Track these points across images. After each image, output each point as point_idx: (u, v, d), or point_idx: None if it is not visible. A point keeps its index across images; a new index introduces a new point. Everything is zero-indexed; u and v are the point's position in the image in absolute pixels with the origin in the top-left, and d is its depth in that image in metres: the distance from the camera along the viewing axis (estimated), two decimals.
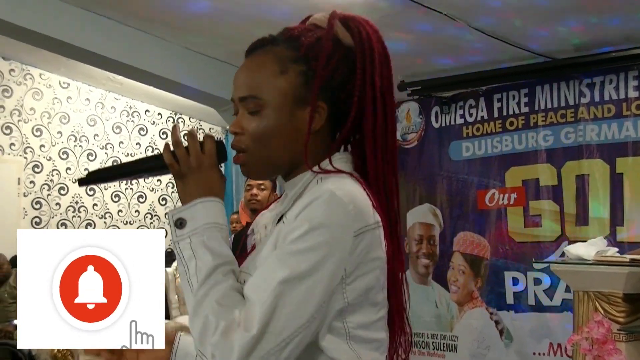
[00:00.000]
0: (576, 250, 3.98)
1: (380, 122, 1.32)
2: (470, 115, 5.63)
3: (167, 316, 6.23)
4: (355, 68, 1.30)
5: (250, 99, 1.30)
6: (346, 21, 1.33)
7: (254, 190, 4.04)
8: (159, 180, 8.48)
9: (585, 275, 3.84)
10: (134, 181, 8.31)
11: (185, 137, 1.31)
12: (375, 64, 1.32)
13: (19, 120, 7.55)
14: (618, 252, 3.97)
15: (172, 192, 8.60)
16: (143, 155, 1.35)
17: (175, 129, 1.32)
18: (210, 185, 1.30)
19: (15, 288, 6.33)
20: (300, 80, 1.29)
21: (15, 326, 5.83)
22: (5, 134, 7.48)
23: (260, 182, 4.05)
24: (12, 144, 7.52)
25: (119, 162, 1.25)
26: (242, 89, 1.32)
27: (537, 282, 5.19)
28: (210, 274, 1.21)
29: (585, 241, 4.49)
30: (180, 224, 1.26)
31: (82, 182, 1.30)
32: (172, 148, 1.30)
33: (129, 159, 8.20)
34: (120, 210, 8.20)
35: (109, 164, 8.09)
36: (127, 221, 8.23)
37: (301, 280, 1.14)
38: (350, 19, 1.34)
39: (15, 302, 6.23)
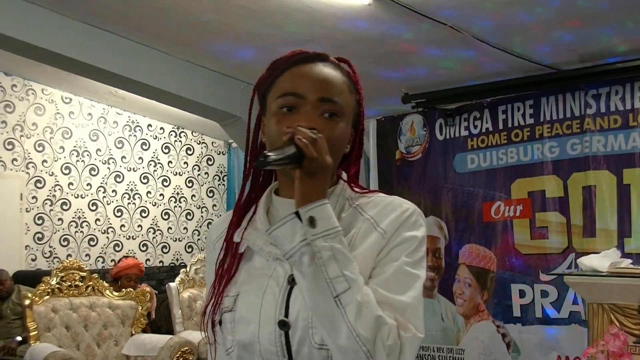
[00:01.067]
0: (590, 262, 3.95)
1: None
2: (475, 127, 5.60)
3: (171, 331, 6.18)
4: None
5: (333, 103, 1.37)
6: (349, 64, 1.49)
7: None
8: (161, 194, 8.46)
9: (599, 288, 3.81)
10: (136, 196, 8.28)
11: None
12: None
13: (21, 136, 7.54)
14: (632, 263, 3.94)
15: (175, 206, 8.57)
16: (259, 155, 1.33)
17: (301, 128, 1.29)
18: (327, 186, 1.32)
19: (18, 304, 6.30)
20: (354, 104, 1.44)
21: (19, 342, 5.80)
22: (8, 149, 7.46)
23: None
24: (15, 159, 7.50)
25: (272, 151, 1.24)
26: (326, 91, 1.37)
27: (544, 294, 5.15)
28: (360, 276, 1.25)
29: (592, 253, 4.47)
30: (311, 222, 1.25)
31: (260, 164, 1.26)
32: (306, 143, 1.27)
33: (132, 174, 8.20)
34: (122, 225, 8.17)
35: (112, 179, 8.08)
36: (129, 236, 8.21)
37: (423, 281, 1.34)
38: (347, 61, 1.49)
39: (19, 319, 6.20)
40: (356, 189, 1.43)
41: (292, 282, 1.32)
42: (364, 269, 1.29)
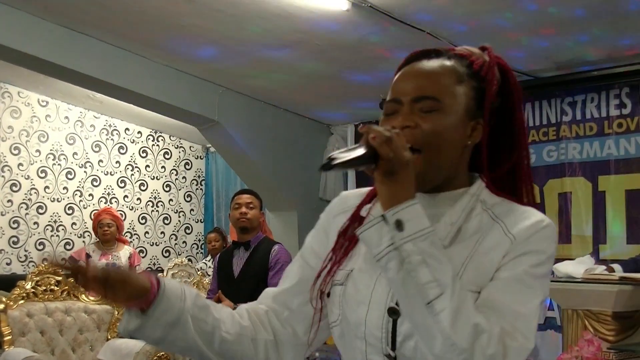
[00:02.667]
0: (565, 268, 3.98)
1: (528, 151, 1.41)
2: None
3: None
4: (503, 101, 1.39)
5: (427, 99, 1.30)
6: (498, 60, 1.41)
7: (243, 209, 4.02)
8: (138, 199, 8.42)
9: (574, 294, 3.84)
10: (113, 200, 8.24)
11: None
12: (522, 102, 1.42)
13: None
14: (606, 270, 3.97)
15: (152, 210, 8.53)
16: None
17: (371, 127, 1.21)
18: (414, 185, 1.22)
19: None
20: (473, 94, 1.34)
21: None
22: None
23: (249, 200, 4.03)
24: None
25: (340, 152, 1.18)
26: (419, 89, 1.31)
27: None
28: (455, 279, 1.17)
29: (568, 259, 4.50)
30: (398, 225, 1.17)
31: (326, 167, 1.17)
32: (380, 142, 1.19)
33: (109, 178, 8.15)
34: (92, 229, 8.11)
35: (88, 183, 8.02)
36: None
37: (542, 302, 1.28)
38: (500, 59, 1.42)
39: None
40: (494, 194, 1.35)
41: None
42: (486, 273, 1.25)
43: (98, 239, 6.33)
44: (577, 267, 3.95)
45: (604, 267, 3.98)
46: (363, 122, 6.09)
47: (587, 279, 3.84)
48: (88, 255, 6.14)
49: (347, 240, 1.37)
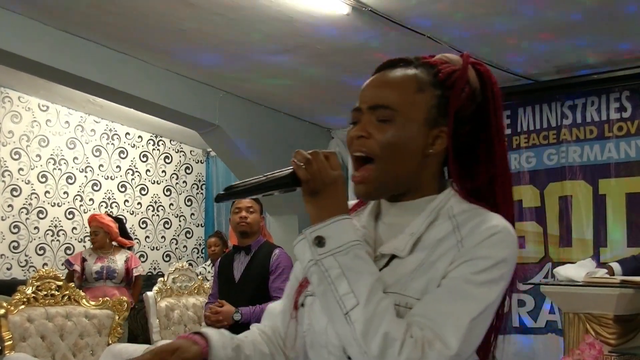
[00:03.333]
0: (566, 271, 3.98)
1: (506, 160, 1.41)
2: None
3: (148, 340, 6.14)
4: (479, 108, 1.39)
5: (382, 108, 1.33)
6: (476, 66, 1.42)
7: (243, 213, 4.01)
8: (139, 203, 8.42)
9: (575, 297, 3.84)
10: (114, 205, 8.24)
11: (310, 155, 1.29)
12: (500, 109, 1.42)
13: None
14: (607, 273, 3.97)
15: (153, 215, 8.52)
16: (272, 172, 1.32)
17: (299, 151, 1.29)
18: (343, 201, 1.30)
19: None
20: (434, 102, 1.34)
21: None
22: None
23: (249, 204, 4.03)
24: None
25: (254, 178, 1.26)
26: (376, 98, 1.35)
27: (521, 303, 5.18)
28: (373, 290, 1.22)
29: (569, 262, 4.50)
30: (319, 242, 1.25)
31: (219, 198, 1.28)
32: (299, 165, 1.28)
33: (109, 182, 8.15)
34: None
35: (89, 188, 8.03)
36: None
37: (487, 309, 1.25)
38: (480, 65, 1.43)
39: None
40: (466, 201, 1.35)
41: None
42: (434, 281, 1.26)
43: (95, 248, 6.34)
44: (579, 270, 3.95)
45: (605, 270, 3.98)
46: None
47: (589, 283, 3.84)
48: (84, 260, 6.14)
49: None
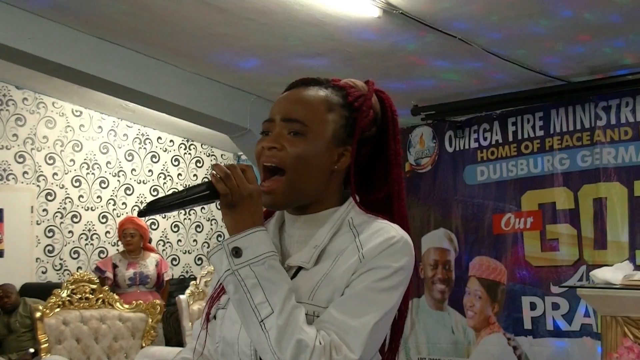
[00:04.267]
0: (603, 274, 3.94)
1: (401, 180, 1.53)
2: (485, 139, 5.60)
3: (181, 343, 6.18)
4: (379, 132, 1.52)
5: (295, 122, 1.41)
6: (378, 93, 1.55)
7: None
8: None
9: (613, 300, 3.80)
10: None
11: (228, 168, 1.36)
12: (398, 135, 1.55)
13: (32, 149, 7.57)
14: None
15: (185, 218, 8.58)
16: (190, 185, 1.39)
17: (217, 164, 1.35)
18: (259, 213, 1.36)
19: (26, 317, 6.32)
20: (342, 122, 1.45)
21: (32, 354, 5.81)
22: (19, 162, 7.49)
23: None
24: (26, 172, 7.53)
25: (173, 191, 1.37)
26: (290, 112, 1.43)
27: (556, 306, 5.13)
28: (286, 299, 1.29)
29: (604, 265, 4.45)
30: (236, 252, 1.31)
31: (141, 213, 1.34)
32: (217, 179, 1.34)
33: (142, 186, 8.22)
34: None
35: (122, 192, 8.10)
36: None
37: (388, 314, 1.36)
38: (382, 92, 1.55)
39: (28, 331, 6.21)
40: (366, 212, 1.46)
41: None
42: (338, 290, 1.35)
43: (124, 251, 6.35)
44: (616, 273, 3.90)
45: None
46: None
47: (626, 285, 3.79)
48: (115, 266, 6.17)
49: None
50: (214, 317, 1.48)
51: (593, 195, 4.99)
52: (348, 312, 1.31)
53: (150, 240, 6.73)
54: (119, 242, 7.90)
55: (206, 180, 1.37)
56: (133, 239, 6.23)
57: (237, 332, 1.39)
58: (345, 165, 1.45)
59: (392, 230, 1.40)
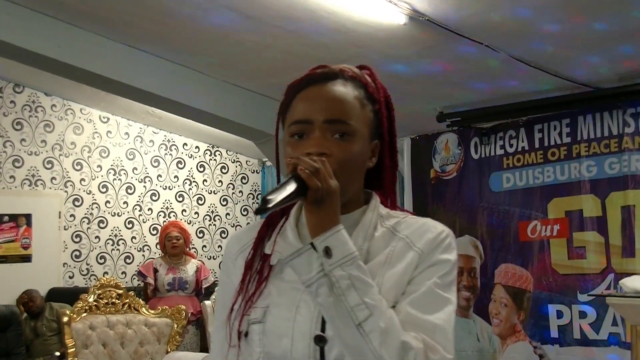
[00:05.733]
0: (633, 283, 3.90)
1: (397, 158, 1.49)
2: (511, 146, 5.57)
3: (206, 349, 6.20)
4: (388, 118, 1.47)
5: (340, 123, 1.34)
6: (375, 78, 1.48)
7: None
8: (196, 213, 8.51)
9: None
10: (171, 215, 8.35)
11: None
12: (392, 110, 1.48)
13: (60, 155, 7.66)
14: None
15: (210, 224, 8.61)
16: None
17: (301, 158, 1.27)
18: (339, 211, 1.28)
19: (52, 321, 6.38)
20: (372, 117, 1.40)
21: (59, 357, 5.86)
22: (47, 168, 7.58)
23: None
24: (54, 178, 7.61)
25: (279, 187, 1.26)
26: (333, 112, 1.34)
27: (583, 315, 5.08)
28: (381, 300, 1.23)
29: (632, 274, 4.40)
30: (326, 252, 1.23)
31: (259, 211, 1.23)
32: (309, 174, 1.25)
33: (167, 192, 8.27)
34: (158, 244, 8.23)
35: (147, 197, 8.16)
36: None
37: (455, 308, 1.33)
38: (369, 69, 1.50)
39: (55, 335, 6.28)
40: (388, 209, 1.42)
41: None
42: (400, 287, 1.30)
43: (164, 253, 6.37)
44: None
45: None
46: (419, 136, 6.08)
47: None
48: (155, 270, 6.21)
49: (255, 274, 1.40)
50: (246, 334, 1.37)
51: (621, 203, 4.94)
52: (426, 310, 1.27)
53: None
54: (145, 248, 7.98)
55: (290, 176, 1.26)
56: (179, 242, 6.27)
57: (288, 346, 1.30)
58: (376, 160, 1.41)
59: (437, 225, 1.36)
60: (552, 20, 4.06)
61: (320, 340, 1.28)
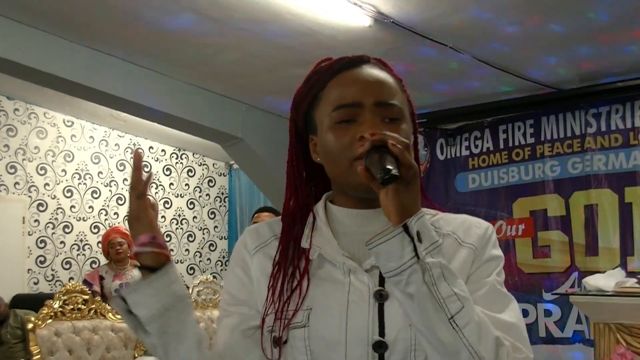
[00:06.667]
0: (595, 281, 3.95)
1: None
2: (476, 146, 5.62)
3: None
4: None
5: (391, 106, 1.24)
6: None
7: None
8: (162, 217, 8.46)
9: (605, 307, 3.82)
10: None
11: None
12: None
13: (23, 159, 7.55)
14: (637, 282, 3.94)
15: (176, 228, 8.56)
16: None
17: (386, 134, 1.13)
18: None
19: (16, 328, 6.28)
20: (407, 102, 1.33)
21: None
22: (10, 173, 7.47)
23: (270, 217, 4.05)
24: (17, 182, 7.51)
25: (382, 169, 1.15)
26: (385, 95, 1.25)
27: (548, 313, 5.14)
28: (467, 292, 1.13)
29: (595, 272, 4.46)
30: (418, 237, 1.09)
31: (387, 181, 1.08)
32: (401, 150, 1.11)
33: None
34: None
35: (113, 202, 8.08)
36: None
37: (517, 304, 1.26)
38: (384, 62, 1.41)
39: (19, 342, 6.18)
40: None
41: (380, 298, 1.18)
42: None
43: (109, 260, 6.31)
44: (608, 280, 3.92)
45: (635, 280, 3.95)
46: None
47: (619, 292, 3.81)
48: (102, 278, 6.15)
49: (292, 270, 1.26)
50: (285, 341, 1.22)
51: (584, 202, 5.02)
52: (495, 308, 1.17)
53: None
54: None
55: (372, 153, 1.11)
56: (122, 247, 6.20)
57: (342, 353, 1.18)
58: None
59: (480, 220, 1.30)
60: (510, 22, 4.11)
61: (380, 347, 1.16)
